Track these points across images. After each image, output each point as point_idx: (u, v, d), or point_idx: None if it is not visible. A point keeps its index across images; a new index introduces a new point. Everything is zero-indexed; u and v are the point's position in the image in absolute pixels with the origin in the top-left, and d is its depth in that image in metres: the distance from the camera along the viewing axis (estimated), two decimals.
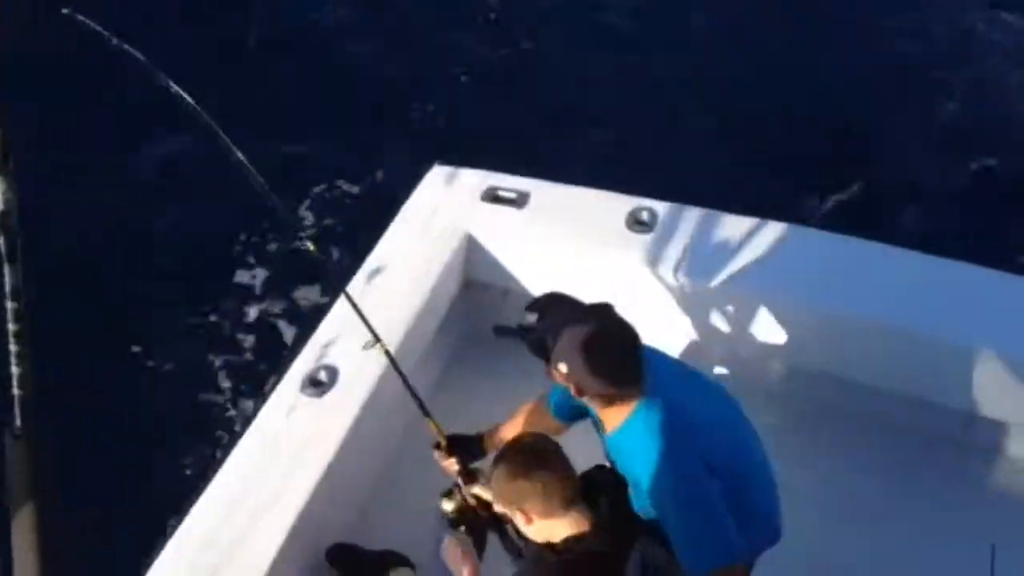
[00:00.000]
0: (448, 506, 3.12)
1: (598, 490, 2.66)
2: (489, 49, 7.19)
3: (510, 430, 3.19)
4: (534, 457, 2.58)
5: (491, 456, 3.14)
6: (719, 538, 2.65)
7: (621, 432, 2.70)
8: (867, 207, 5.92)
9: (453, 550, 2.99)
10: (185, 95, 2.89)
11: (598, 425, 2.82)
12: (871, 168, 6.21)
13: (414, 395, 3.11)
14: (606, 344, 2.61)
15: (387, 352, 3.13)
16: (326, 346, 3.60)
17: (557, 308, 2.76)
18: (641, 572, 2.64)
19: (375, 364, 3.41)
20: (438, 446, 3.17)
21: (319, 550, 3.47)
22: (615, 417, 2.70)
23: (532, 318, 2.77)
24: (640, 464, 2.65)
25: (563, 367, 2.62)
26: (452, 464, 3.14)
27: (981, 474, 3.79)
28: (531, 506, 2.56)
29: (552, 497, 2.54)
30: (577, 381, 2.62)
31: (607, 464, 2.85)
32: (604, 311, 2.70)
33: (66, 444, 4.68)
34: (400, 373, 3.11)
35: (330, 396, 3.46)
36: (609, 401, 2.67)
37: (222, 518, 3.16)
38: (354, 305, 3.13)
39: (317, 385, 3.47)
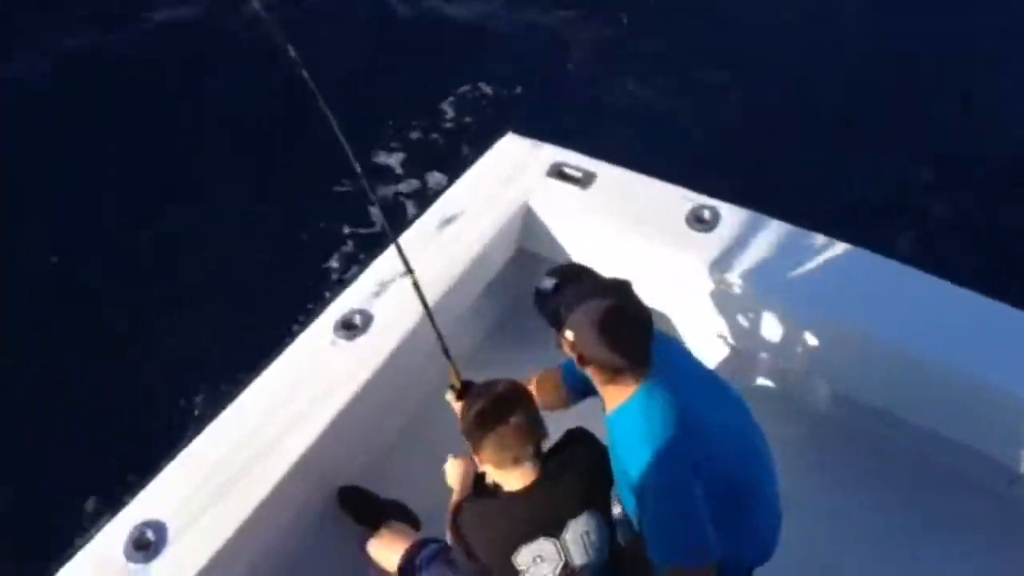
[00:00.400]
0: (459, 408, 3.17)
1: (563, 447, 2.76)
2: (595, 28, 7.14)
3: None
4: (497, 407, 2.66)
5: None
6: (689, 536, 2.62)
7: (617, 413, 2.68)
8: (939, 239, 5.80)
9: (453, 464, 3.09)
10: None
11: (603, 404, 2.81)
12: (951, 200, 6.08)
13: (438, 334, 3.15)
14: (616, 318, 2.60)
15: (415, 284, 3.14)
16: (366, 292, 3.64)
17: (576, 278, 2.76)
18: (588, 534, 2.74)
19: (411, 316, 3.45)
20: (452, 388, 3.23)
21: (331, 488, 3.55)
22: (614, 397, 2.69)
23: (549, 283, 2.80)
24: (626, 447, 2.64)
25: (569, 334, 2.63)
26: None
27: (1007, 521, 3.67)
28: (485, 454, 2.67)
29: (505, 451, 2.64)
30: (581, 350, 2.62)
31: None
32: (622, 287, 2.69)
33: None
34: (426, 308, 3.14)
35: (361, 339, 3.50)
36: (610, 378, 2.66)
37: (234, 443, 3.23)
38: (390, 234, 3.15)
39: (350, 328, 3.52)
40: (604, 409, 2.78)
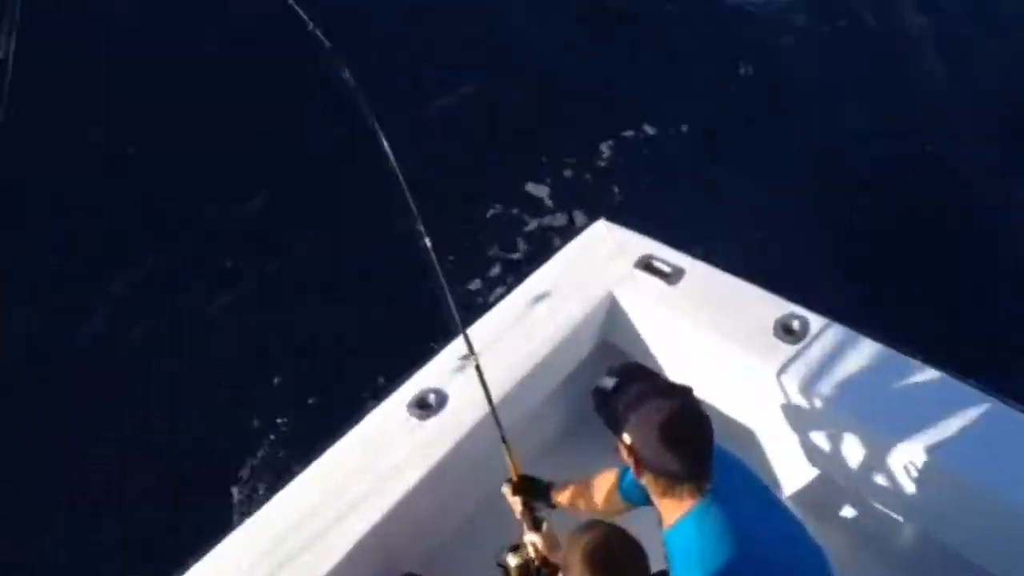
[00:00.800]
0: (512, 560, 3.10)
1: None
2: (706, 121, 7.10)
3: (578, 493, 3.18)
4: (613, 570, 2.52)
5: (557, 509, 3.21)
6: None
7: (673, 529, 2.57)
8: None
9: None
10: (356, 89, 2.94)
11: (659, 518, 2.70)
12: None
13: (496, 421, 3.11)
14: (677, 425, 2.50)
15: (478, 368, 3.11)
16: (443, 371, 3.62)
17: (637, 379, 2.65)
18: None
19: (485, 400, 3.41)
20: (510, 481, 3.16)
21: (393, 573, 3.50)
22: (670, 512, 2.59)
23: (610, 383, 2.68)
24: (682, 567, 2.53)
25: (627, 438, 2.54)
26: (517, 503, 3.13)
27: None
28: None
29: None
30: (638, 456, 2.53)
31: None
32: (686, 394, 2.58)
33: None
34: (487, 393, 3.11)
35: (433, 420, 3.48)
36: (666, 489, 2.55)
37: (298, 517, 3.22)
38: (455, 314, 3.12)
39: (423, 407, 3.51)
40: (660, 523, 2.67)
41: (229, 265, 6.01)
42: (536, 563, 3.11)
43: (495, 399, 3.42)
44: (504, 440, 3.13)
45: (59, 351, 5.46)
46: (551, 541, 3.06)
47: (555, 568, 3.06)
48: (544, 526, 3.10)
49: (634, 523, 2.80)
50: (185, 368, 5.40)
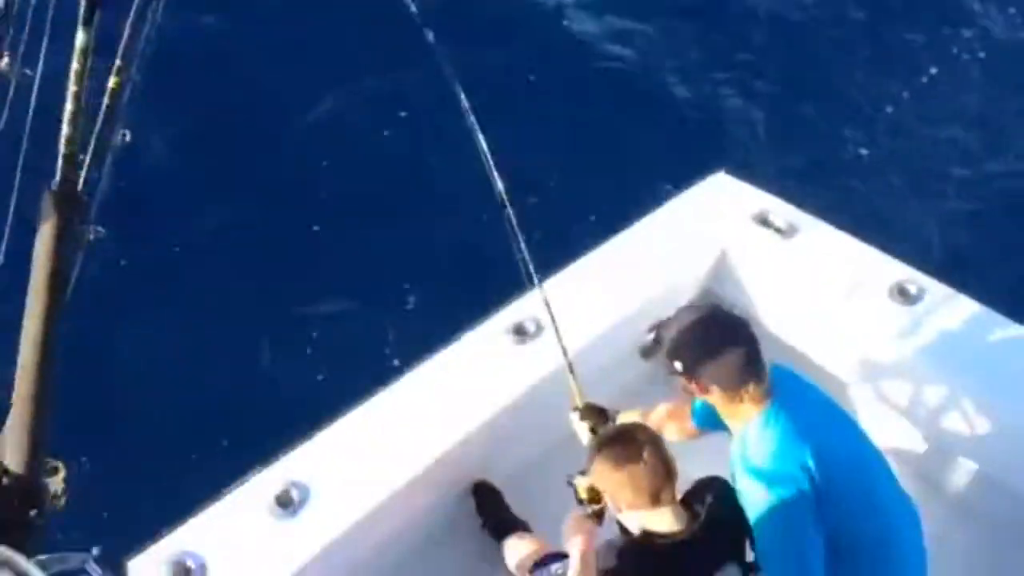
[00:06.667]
0: (582, 482, 3.10)
1: (703, 495, 2.65)
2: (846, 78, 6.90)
3: (646, 419, 3.20)
4: (627, 447, 2.60)
5: None
6: (800, 562, 2.55)
7: (738, 439, 2.68)
8: None
9: (571, 524, 2.94)
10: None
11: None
12: None
13: (562, 349, 3.15)
14: (710, 324, 2.67)
15: (546, 301, 3.17)
16: (542, 303, 3.63)
17: (672, 320, 2.77)
18: None
19: (581, 333, 3.45)
20: (575, 408, 3.21)
21: (468, 480, 3.61)
22: (738, 422, 2.69)
23: (649, 338, 2.83)
24: (745, 472, 2.61)
25: (678, 365, 2.66)
26: (585, 430, 3.17)
27: None
28: (620, 495, 2.61)
29: (640, 490, 2.56)
30: (692, 372, 2.64)
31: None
32: (711, 306, 2.81)
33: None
34: (553, 322, 3.15)
35: (529, 346, 3.52)
36: (731, 399, 2.65)
37: (390, 422, 3.32)
38: (522, 251, 3.11)
39: (522, 333, 3.55)
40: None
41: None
42: None
43: (588, 337, 3.50)
44: (571, 369, 3.17)
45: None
46: None
47: None
48: None
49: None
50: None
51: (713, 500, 2.64)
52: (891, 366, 3.56)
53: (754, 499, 2.58)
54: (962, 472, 3.57)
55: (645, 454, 2.55)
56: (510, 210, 3.08)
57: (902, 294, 3.61)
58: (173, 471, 4.47)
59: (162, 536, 3.01)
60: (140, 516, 3.51)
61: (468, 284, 5.05)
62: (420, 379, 3.45)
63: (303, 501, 3.09)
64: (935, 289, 3.63)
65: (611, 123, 6.41)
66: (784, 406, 2.62)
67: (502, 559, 3.42)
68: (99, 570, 1.90)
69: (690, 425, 3.09)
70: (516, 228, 3.08)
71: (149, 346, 5.14)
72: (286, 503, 3.07)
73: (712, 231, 3.94)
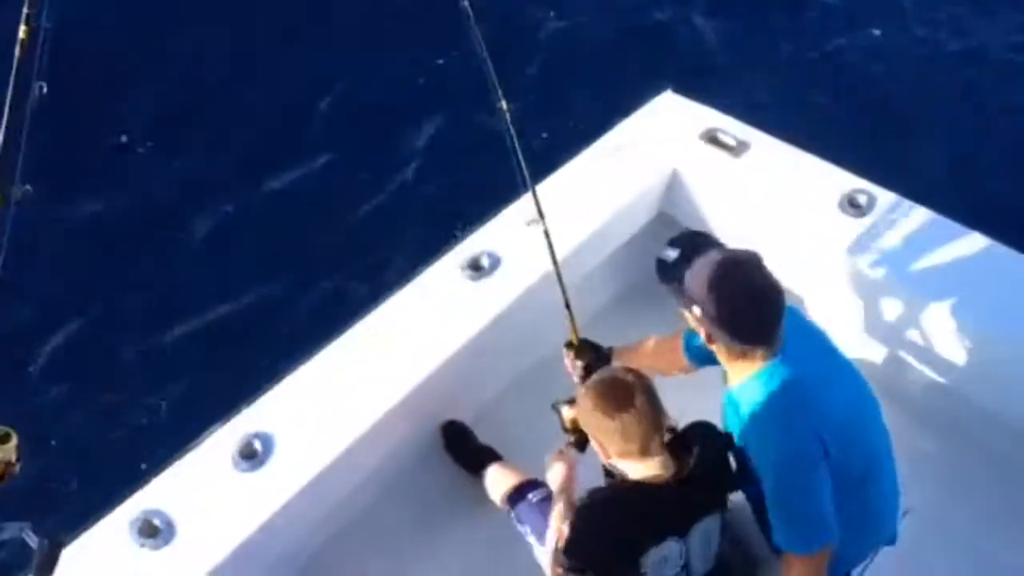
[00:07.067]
0: (567, 412, 3.11)
1: (691, 443, 2.59)
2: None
3: (639, 355, 3.18)
4: (619, 394, 2.52)
5: None
6: (810, 523, 2.55)
7: (742, 388, 2.59)
8: None
9: (553, 456, 2.99)
10: None
11: (725, 376, 2.71)
12: None
13: (561, 287, 3.11)
14: (751, 299, 2.48)
15: (546, 233, 3.10)
16: (498, 235, 3.62)
17: (701, 249, 2.58)
18: (709, 538, 2.64)
19: (539, 265, 3.40)
20: (570, 344, 3.17)
21: (436, 419, 3.62)
22: (740, 372, 2.59)
23: (673, 253, 2.62)
24: (751, 425, 2.56)
25: (697, 311, 2.50)
26: (577, 367, 3.14)
27: None
28: (609, 443, 2.55)
29: (630, 440, 2.50)
30: (708, 329, 2.51)
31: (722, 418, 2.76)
32: (755, 262, 2.52)
33: None
34: (553, 259, 3.10)
35: (486, 281, 3.49)
36: (738, 356, 2.56)
37: (350, 366, 3.29)
38: (528, 180, 3.09)
39: (477, 268, 3.52)
40: (726, 380, 2.69)
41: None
42: None
43: (541, 265, 3.41)
44: (568, 305, 3.12)
45: None
46: None
47: None
48: None
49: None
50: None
51: (701, 449, 2.58)
52: (845, 277, 3.57)
53: (764, 449, 2.54)
54: (919, 380, 3.61)
55: (638, 403, 2.48)
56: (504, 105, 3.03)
57: (852, 204, 3.62)
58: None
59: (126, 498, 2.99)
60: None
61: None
62: (378, 322, 3.42)
63: (267, 452, 3.05)
64: (885, 198, 3.64)
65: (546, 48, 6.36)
66: (788, 360, 2.53)
67: (478, 492, 3.45)
68: (35, 538, 1.86)
69: (683, 359, 3.01)
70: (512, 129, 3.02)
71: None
72: (250, 455, 3.04)
73: (662, 152, 3.91)
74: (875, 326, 3.63)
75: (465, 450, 3.61)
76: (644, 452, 2.51)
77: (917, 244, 3.51)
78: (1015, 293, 3.36)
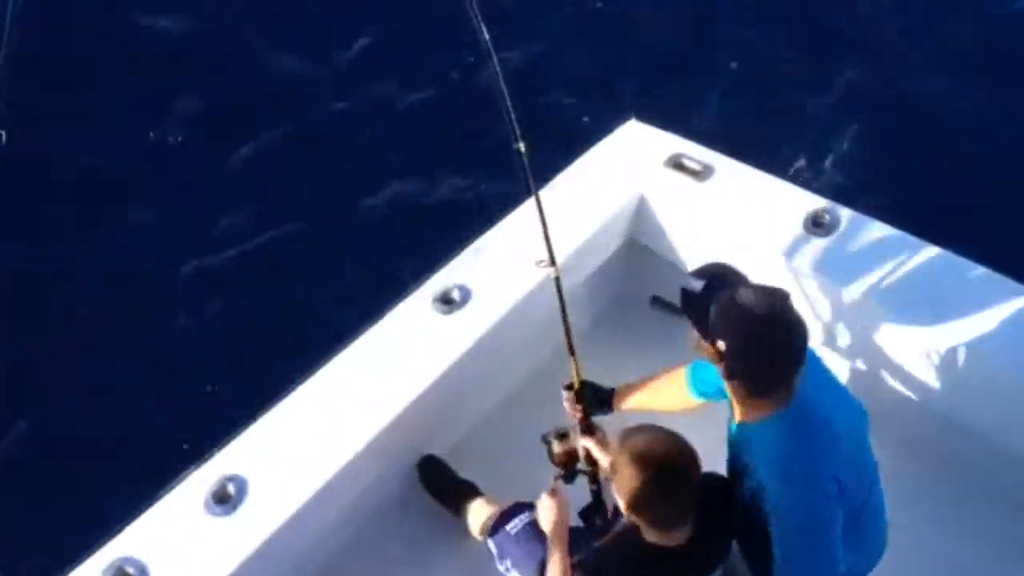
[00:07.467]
0: (558, 447, 3.09)
1: (707, 507, 2.53)
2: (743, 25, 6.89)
3: (645, 395, 3.14)
4: (667, 477, 2.44)
5: (617, 415, 3.17)
6: (819, 567, 2.52)
7: (757, 427, 2.52)
8: None
9: (547, 506, 2.94)
10: None
11: (732, 410, 2.66)
12: None
13: (567, 330, 3.04)
14: (782, 339, 2.40)
15: (557, 280, 3.04)
16: (467, 268, 3.63)
17: (728, 281, 2.51)
18: None
19: (511, 296, 3.46)
20: (570, 387, 3.10)
21: (412, 455, 3.61)
22: (753, 410, 2.52)
23: (698, 284, 2.52)
24: (770, 468, 2.48)
25: (722, 345, 2.41)
26: (578, 410, 3.08)
27: None
28: (640, 515, 2.49)
29: (664, 522, 2.49)
30: (731, 366, 2.43)
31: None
32: (786, 302, 2.44)
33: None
34: (562, 303, 3.04)
35: (458, 314, 3.49)
36: (752, 395, 2.50)
37: (323, 405, 3.27)
38: (543, 219, 3.08)
39: (447, 302, 3.51)
40: (733, 416, 2.65)
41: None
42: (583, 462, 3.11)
43: (513, 295, 3.50)
44: (572, 349, 3.07)
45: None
46: (604, 447, 3.01)
47: (595, 469, 3.08)
48: (599, 433, 3.07)
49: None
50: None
51: (710, 505, 2.54)
52: (812, 295, 3.60)
53: (784, 496, 2.47)
54: (888, 396, 3.63)
55: (685, 486, 2.44)
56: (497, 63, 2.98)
57: (816, 224, 3.65)
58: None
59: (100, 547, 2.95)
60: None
61: None
62: (350, 359, 3.41)
63: (241, 495, 3.03)
64: (848, 217, 3.67)
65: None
66: (804, 399, 2.48)
67: (458, 528, 3.45)
68: None
69: (689, 396, 2.96)
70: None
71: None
72: (223, 499, 3.02)
73: (629, 179, 3.93)
74: (843, 342, 3.66)
75: (443, 485, 3.59)
76: (673, 527, 2.50)
77: (881, 260, 3.54)
78: (977, 305, 3.39)
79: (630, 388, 3.17)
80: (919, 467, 3.58)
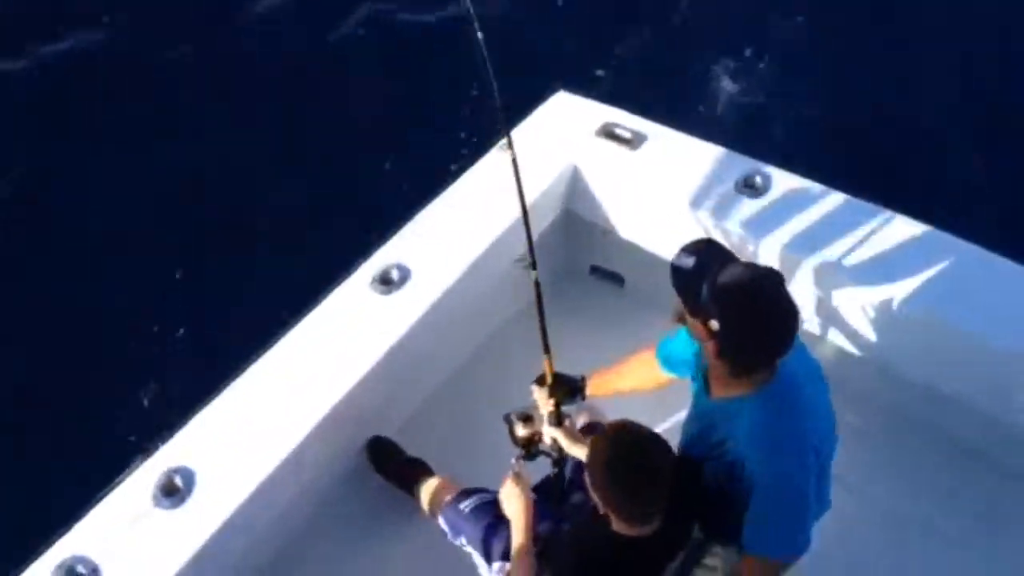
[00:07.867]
0: (521, 430, 3.11)
1: (676, 497, 2.53)
2: None
3: (617, 379, 3.18)
4: (643, 477, 2.45)
5: (588, 401, 3.23)
6: (792, 534, 2.57)
7: (742, 402, 2.53)
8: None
9: (509, 492, 2.95)
10: None
11: (706, 384, 2.68)
12: None
13: (543, 330, 3.03)
14: (775, 326, 2.41)
15: (536, 283, 3.02)
16: (404, 247, 3.62)
17: (718, 258, 2.48)
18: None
19: (450, 274, 3.47)
20: (541, 381, 3.10)
21: (360, 437, 3.61)
22: (736, 387, 2.54)
23: (688, 260, 2.49)
24: (753, 442, 2.50)
25: (715, 324, 2.40)
26: (549, 403, 3.07)
27: None
28: (614, 511, 2.51)
29: (637, 518, 2.51)
30: (722, 344, 2.43)
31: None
32: (779, 283, 2.44)
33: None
34: (540, 304, 3.02)
35: (397, 295, 3.48)
36: (740, 373, 2.51)
37: (267, 392, 3.25)
38: (526, 223, 3.07)
39: (386, 282, 3.51)
40: (706, 390, 2.67)
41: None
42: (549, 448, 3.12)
43: (452, 272, 3.50)
44: (547, 349, 3.06)
45: None
46: (572, 437, 3.03)
47: (561, 455, 3.11)
48: (567, 422, 3.09)
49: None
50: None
51: (678, 490, 2.51)
52: (747, 257, 3.62)
53: (767, 467, 2.48)
54: (827, 351, 3.69)
55: (662, 482, 2.45)
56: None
57: (748, 186, 3.70)
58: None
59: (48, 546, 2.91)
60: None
61: None
62: (291, 344, 3.38)
63: (189, 487, 3.00)
64: (780, 177, 3.73)
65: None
66: (785, 372, 2.51)
67: (411, 508, 3.46)
68: None
69: (661, 373, 2.98)
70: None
71: None
72: (171, 491, 2.99)
73: (562, 150, 3.95)
74: None
75: (394, 466, 3.59)
76: (645, 519, 2.51)
77: (815, 218, 3.60)
78: (909, 258, 3.47)
79: (600, 375, 3.20)
80: (856, 418, 3.64)
